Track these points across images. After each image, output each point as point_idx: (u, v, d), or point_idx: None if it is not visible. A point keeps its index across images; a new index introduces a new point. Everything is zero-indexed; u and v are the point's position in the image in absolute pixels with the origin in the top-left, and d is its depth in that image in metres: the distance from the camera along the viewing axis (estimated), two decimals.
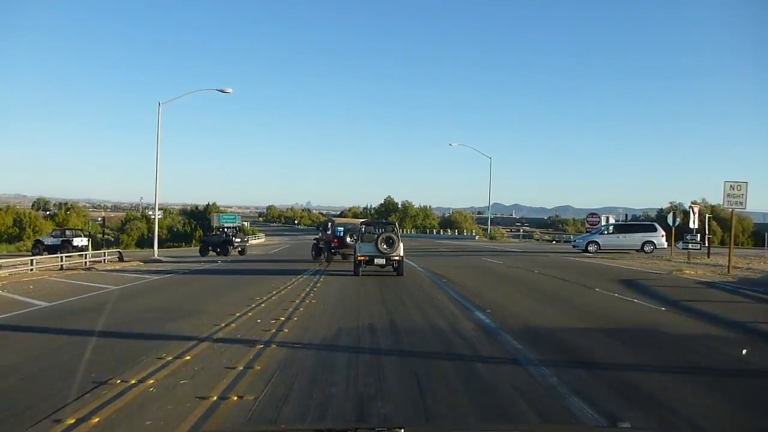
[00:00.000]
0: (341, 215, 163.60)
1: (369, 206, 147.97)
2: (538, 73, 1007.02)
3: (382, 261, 19.37)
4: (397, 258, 19.30)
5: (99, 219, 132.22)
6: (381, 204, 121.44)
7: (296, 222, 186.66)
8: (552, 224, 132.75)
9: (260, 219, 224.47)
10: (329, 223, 29.35)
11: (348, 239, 25.47)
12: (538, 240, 72.23)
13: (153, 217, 41.01)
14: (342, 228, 26.72)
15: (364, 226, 22.19)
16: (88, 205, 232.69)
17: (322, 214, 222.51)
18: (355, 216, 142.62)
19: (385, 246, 19.13)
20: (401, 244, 19.47)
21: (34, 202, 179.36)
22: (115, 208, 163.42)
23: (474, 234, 79.05)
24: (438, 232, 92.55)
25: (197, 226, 68.54)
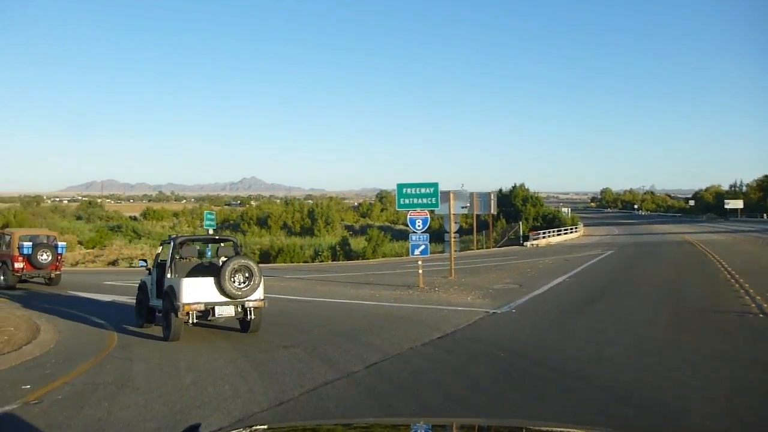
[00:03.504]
0: (696, 197, 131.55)
1: (738, 182, 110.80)
2: None
3: (230, 311, 10.80)
4: (256, 303, 10.91)
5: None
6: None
7: (636, 207, 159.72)
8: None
9: (592, 204, 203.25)
10: (3, 236, 21.29)
11: (41, 257, 19.92)
12: None
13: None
14: (30, 243, 20.06)
15: (177, 245, 11.85)
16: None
17: (669, 196, 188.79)
18: (718, 196, 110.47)
19: (239, 282, 10.70)
20: (262, 279, 10.90)
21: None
22: (309, 197, 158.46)
23: None
24: None
25: (500, 215, 51.72)
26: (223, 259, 11.73)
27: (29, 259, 19.89)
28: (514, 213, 56.22)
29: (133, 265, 38.03)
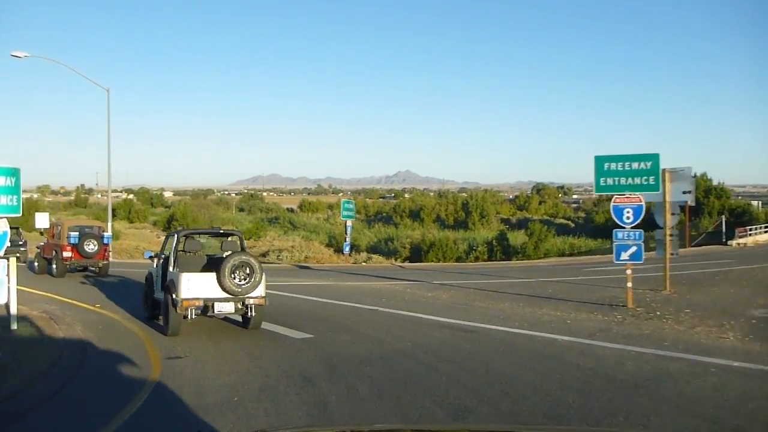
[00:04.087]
0: None
1: None
2: None
3: (230, 307, 10.61)
4: (257, 300, 10.72)
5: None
6: None
7: None
8: None
9: None
10: (56, 226, 21.97)
11: (87, 246, 20.70)
12: None
13: None
14: (77, 233, 20.87)
15: (182, 238, 11.86)
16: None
17: None
18: None
19: (239, 279, 10.50)
20: (264, 276, 10.76)
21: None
22: (462, 190, 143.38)
23: None
24: None
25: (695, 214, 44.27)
26: (227, 253, 11.25)
27: (77, 249, 20.73)
28: (695, 206, 47.46)
29: (279, 258, 35.69)
